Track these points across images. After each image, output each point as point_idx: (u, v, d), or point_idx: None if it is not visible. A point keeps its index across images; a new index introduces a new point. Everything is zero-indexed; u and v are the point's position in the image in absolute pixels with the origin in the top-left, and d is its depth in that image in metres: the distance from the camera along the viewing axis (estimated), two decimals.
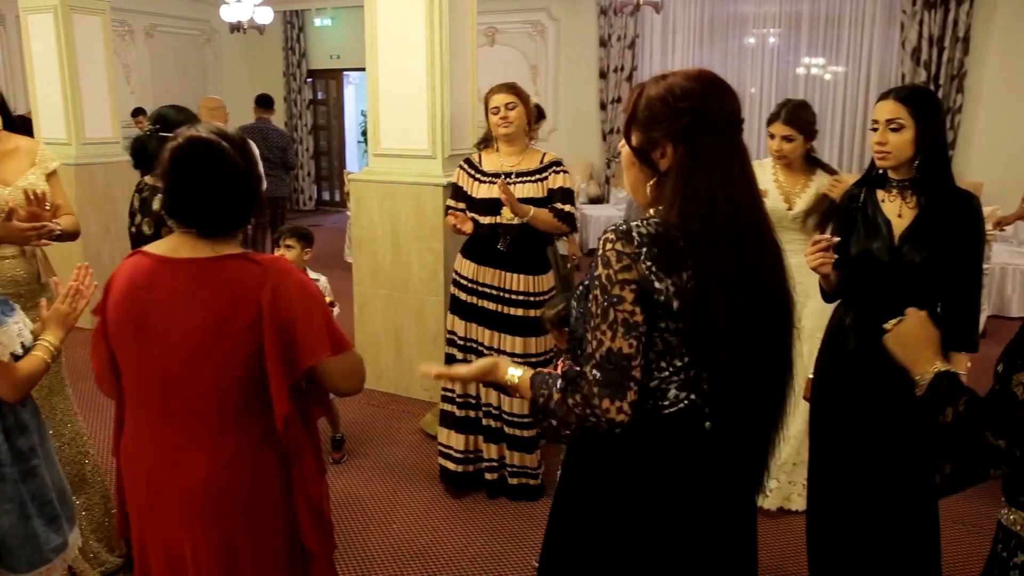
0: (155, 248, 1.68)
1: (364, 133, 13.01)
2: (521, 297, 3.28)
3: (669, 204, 1.41)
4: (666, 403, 1.43)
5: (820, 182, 3.21)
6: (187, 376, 1.61)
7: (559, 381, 1.45)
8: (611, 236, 1.39)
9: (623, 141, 1.52)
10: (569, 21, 9.65)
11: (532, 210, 3.17)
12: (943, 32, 7.67)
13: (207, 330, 1.58)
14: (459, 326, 3.41)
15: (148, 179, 2.79)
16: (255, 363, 1.59)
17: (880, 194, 2.32)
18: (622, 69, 9.31)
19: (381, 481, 3.67)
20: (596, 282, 1.39)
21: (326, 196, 12.59)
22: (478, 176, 3.33)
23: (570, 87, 9.77)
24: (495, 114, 3.27)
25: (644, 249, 1.36)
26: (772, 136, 3.22)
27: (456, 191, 3.38)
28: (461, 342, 3.40)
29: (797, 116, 3.15)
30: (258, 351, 1.58)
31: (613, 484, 1.49)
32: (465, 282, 3.38)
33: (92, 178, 5.88)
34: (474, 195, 3.30)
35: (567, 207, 3.22)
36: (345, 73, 12.08)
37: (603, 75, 9.43)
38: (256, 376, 1.60)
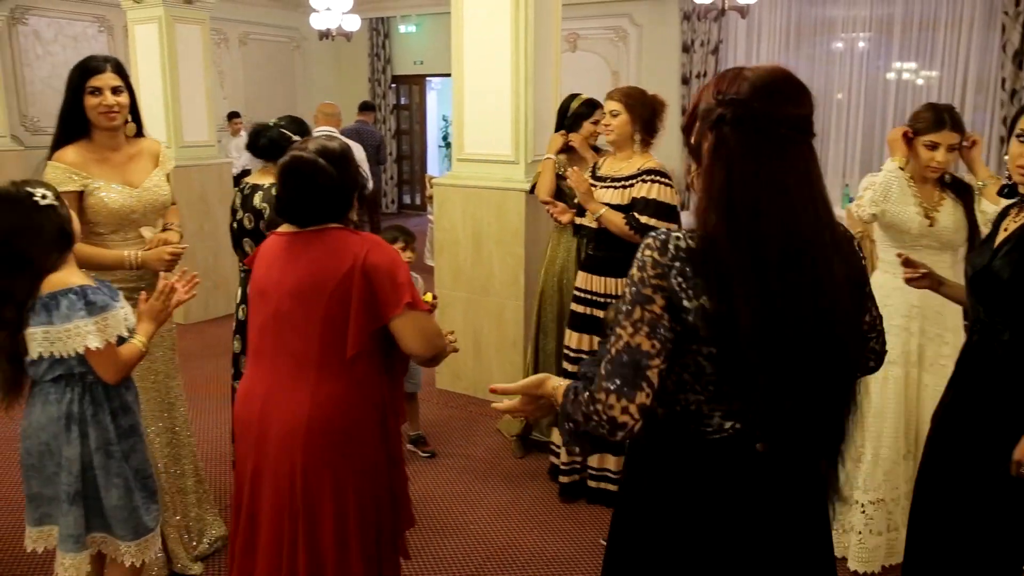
0: (282, 228, 2.04)
1: (445, 138, 13.21)
2: (602, 299, 3.30)
3: (695, 209, 1.33)
4: (710, 429, 1.35)
5: (951, 195, 2.86)
6: (294, 324, 1.94)
7: (578, 380, 1.40)
8: (649, 243, 1.32)
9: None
10: (651, 26, 9.60)
11: (603, 209, 3.18)
12: None
13: (311, 283, 1.91)
14: (572, 339, 3.44)
15: (248, 180, 3.01)
16: (343, 314, 1.90)
17: (1013, 210, 2.15)
18: (705, 75, 9.21)
19: (459, 482, 3.73)
20: (630, 281, 1.32)
21: (407, 199, 12.82)
22: (591, 179, 3.38)
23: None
24: (603, 119, 3.33)
25: (677, 264, 1.29)
26: (934, 146, 2.73)
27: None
28: (573, 355, 3.43)
29: (960, 121, 2.77)
30: (347, 303, 1.90)
31: (661, 509, 1.42)
32: (575, 291, 3.45)
33: (189, 179, 6.15)
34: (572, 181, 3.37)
35: (644, 218, 3.10)
36: (428, 78, 12.31)
37: (685, 81, 9.35)
38: (344, 326, 1.91)
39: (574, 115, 3.82)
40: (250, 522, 2.06)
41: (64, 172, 2.56)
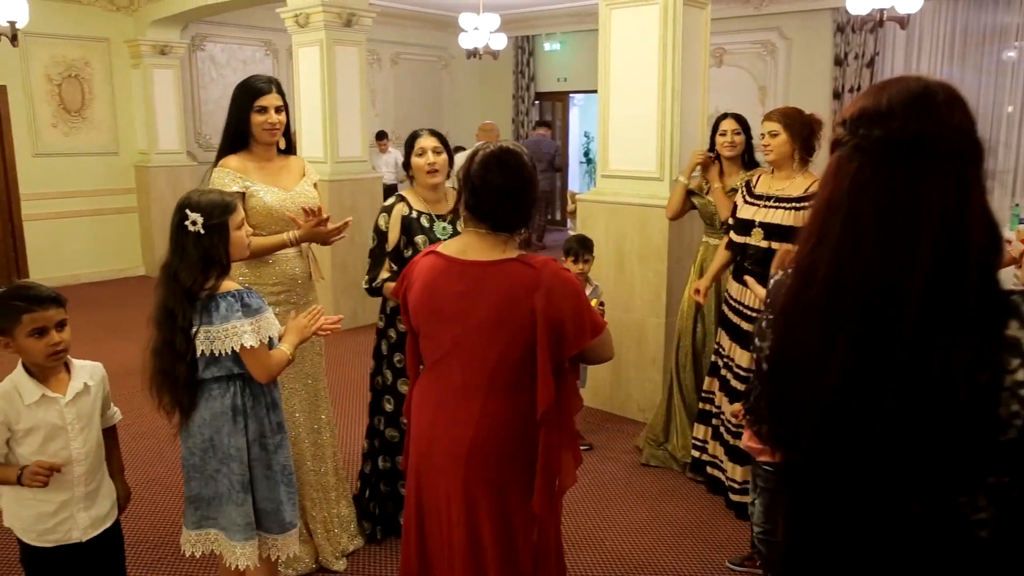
0: (446, 248, 2.04)
1: (587, 154, 13.27)
2: (751, 312, 3.32)
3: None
4: None
5: None
6: (471, 355, 1.97)
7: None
8: (778, 277, 1.25)
9: None
10: (802, 40, 9.29)
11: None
12: None
13: (491, 322, 1.93)
14: (723, 340, 3.59)
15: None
16: (528, 351, 1.93)
17: None
18: (859, 89, 8.81)
19: (593, 498, 3.73)
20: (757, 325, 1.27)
21: (548, 215, 12.94)
22: (747, 196, 3.42)
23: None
24: (762, 139, 3.33)
25: (769, 300, 1.24)
26: None
27: (734, 209, 3.54)
28: (724, 361, 3.59)
29: None
30: (531, 341, 1.91)
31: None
32: (728, 299, 3.57)
33: (341, 193, 6.49)
34: (738, 214, 3.41)
35: None
36: (570, 95, 12.42)
37: (837, 95, 8.98)
38: (527, 359, 1.94)
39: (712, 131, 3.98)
40: (419, 529, 2.13)
41: (229, 175, 2.84)
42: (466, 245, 2.01)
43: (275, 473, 2.32)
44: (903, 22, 6.54)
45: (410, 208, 3.09)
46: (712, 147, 3.90)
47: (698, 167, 3.91)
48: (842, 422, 1.05)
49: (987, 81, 8.06)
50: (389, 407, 3.20)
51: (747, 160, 3.86)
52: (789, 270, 1.17)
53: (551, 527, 2.09)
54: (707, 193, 3.89)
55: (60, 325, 2.12)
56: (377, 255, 3.11)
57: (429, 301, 2.02)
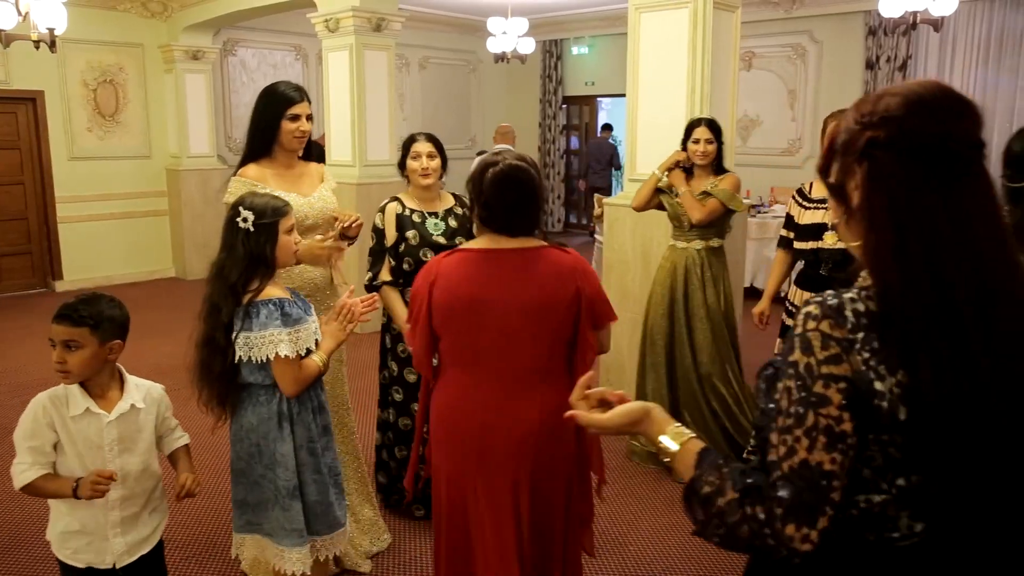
0: (474, 245, 2.12)
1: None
2: None
3: (861, 255, 1.11)
4: (897, 535, 1.10)
5: None
6: (524, 341, 2.03)
7: (738, 479, 1.13)
8: (815, 311, 1.08)
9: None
10: (833, 43, 9.20)
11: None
12: None
13: (541, 303, 2.02)
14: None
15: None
16: (573, 328, 2.06)
17: None
18: None
19: (616, 502, 3.72)
20: (791, 370, 1.09)
21: (573, 219, 12.94)
22: (804, 203, 3.43)
23: (830, 112, 9.28)
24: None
25: (861, 335, 1.06)
26: None
27: (788, 220, 3.55)
28: None
29: None
30: (575, 318, 2.05)
31: None
32: (790, 307, 3.55)
33: (370, 196, 6.51)
34: (799, 221, 3.42)
35: None
36: (598, 99, 12.40)
37: None
38: (572, 337, 2.07)
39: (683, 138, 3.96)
40: (463, 532, 2.12)
41: (246, 184, 2.80)
42: (493, 241, 2.09)
43: (324, 476, 2.34)
44: (937, 24, 6.46)
45: (403, 206, 3.32)
46: (684, 151, 3.89)
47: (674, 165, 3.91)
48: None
49: (1023, 84, 7.92)
50: (399, 396, 3.35)
51: (716, 166, 3.86)
52: (838, 296, 1.10)
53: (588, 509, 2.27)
54: (676, 196, 3.87)
55: (68, 344, 2.02)
56: (377, 253, 3.31)
57: (466, 292, 2.03)
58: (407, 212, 3.30)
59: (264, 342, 2.16)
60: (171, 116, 9.04)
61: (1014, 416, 1.03)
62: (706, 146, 3.80)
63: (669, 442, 1.26)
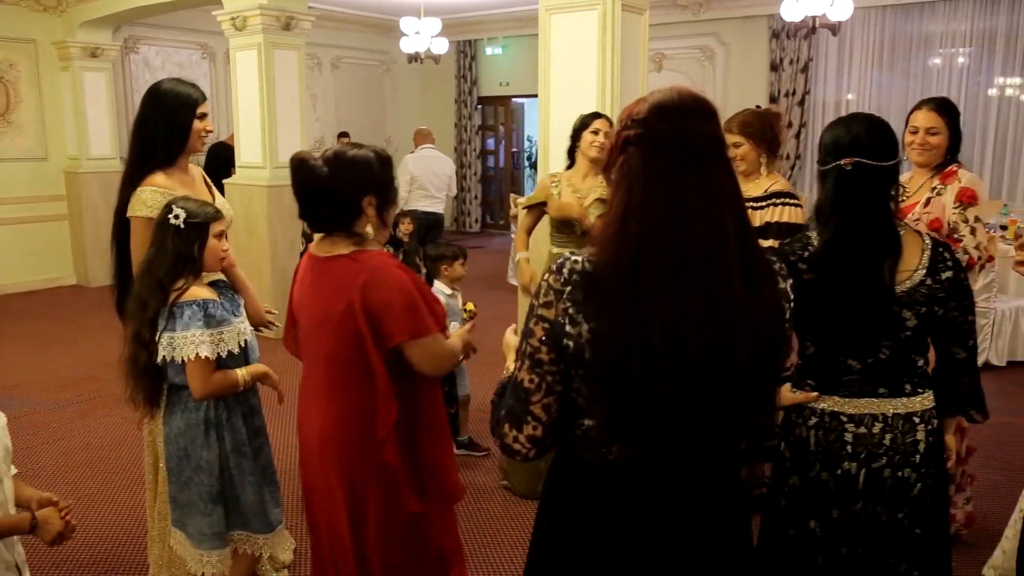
0: (314, 248, 2.07)
1: (530, 158, 13.32)
2: None
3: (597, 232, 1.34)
4: (606, 452, 1.36)
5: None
6: (310, 351, 2.05)
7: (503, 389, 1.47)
8: (552, 267, 1.35)
9: None
10: (739, 45, 9.49)
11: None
12: None
13: (321, 315, 1.97)
14: None
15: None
16: (355, 344, 1.91)
17: None
18: (794, 93, 9.04)
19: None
20: (529, 310, 1.38)
21: (489, 219, 12.97)
22: None
23: (733, 115, 9.58)
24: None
25: (568, 288, 1.30)
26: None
27: None
28: None
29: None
30: (356, 334, 1.90)
31: (572, 532, 1.44)
32: None
33: (281, 198, 6.38)
34: None
35: (769, 242, 3.01)
36: (513, 100, 12.46)
37: (773, 100, 9.19)
38: (357, 354, 1.92)
39: (575, 130, 3.71)
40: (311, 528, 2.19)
41: (162, 195, 2.57)
42: (320, 244, 2.05)
43: (256, 477, 2.40)
44: (835, 29, 6.73)
45: None
46: (574, 146, 3.67)
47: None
48: (703, 372, 1.26)
49: (914, 86, 8.34)
50: None
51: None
52: (567, 257, 1.32)
53: (436, 530, 2.09)
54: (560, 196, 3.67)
55: None
56: None
57: (295, 296, 2.12)
58: None
59: (186, 342, 2.21)
60: (69, 116, 8.62)
61: (680, 365, 1.25)
62: (606, 139, 3.52)
63: (512, 363, 1.52)
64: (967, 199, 2.82)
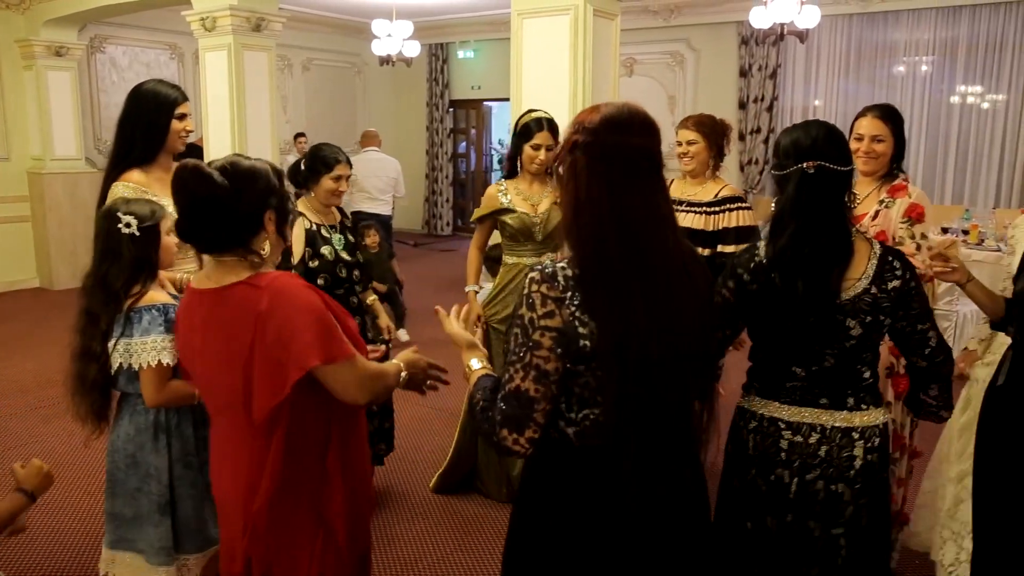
0: (195, 282, 1.80)
1: (500, 160, 13.32)
2: None
3: (562, 232, 1.51)
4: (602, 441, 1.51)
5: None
6: (215, 394, 1.79)
7: (489, 394, 1.56)
8: (537, 277, 1.45)
9: None
10: (709, 51, 9.58)
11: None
12: None
13: (223, 354, 1.70)
14: None
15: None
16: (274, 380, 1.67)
17: None
18: (762, 99, 9.15)
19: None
20: (519, 322, 1.46)
21: (460, 222, 12.96)
22: None
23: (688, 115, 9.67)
24: (679, 148, 3.33)
25: (570, 293, 1.43)
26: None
27: None
28: None
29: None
30: (274, 368, 1.65)
31: (560, 516, 1.57)
32: None
33: None
34: None
35: (730, 247, 3.14)
36: (485, 103, 12.47)
37: (742, 105, 9.30)
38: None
39: (516, 138, 3.46)
40: None
41: (136, 191, 2.63)
42: (208, 273, 1.77)
43: (199, 491, 2.25)
44: (802, 36, 6.83)
45: (309, 222, 3.19)
46: (516, 154, 3.47)
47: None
48: (662, 366, 1.46)
49: (879, 93, 8.47)
50: None
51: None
52: (552, 265, 1.47)
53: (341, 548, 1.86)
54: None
55: None
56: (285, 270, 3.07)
57: (182, 341, 1.86)
58: (313, 227, 3.19)
59: (146, 349, 2.11)
60: (32, 116, 8.46)
61: (665, 349, 1.45)
62: (546, 156, 3.35)
63: (476, 363, 1.70)
64: (916, 216, 2.73)
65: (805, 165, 1.84)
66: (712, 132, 3.27)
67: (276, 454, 1.72)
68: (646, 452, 1.49)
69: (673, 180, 3.45)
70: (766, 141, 9.17)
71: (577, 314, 1.42)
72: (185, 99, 2.76)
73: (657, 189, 1.47)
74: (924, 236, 2.75)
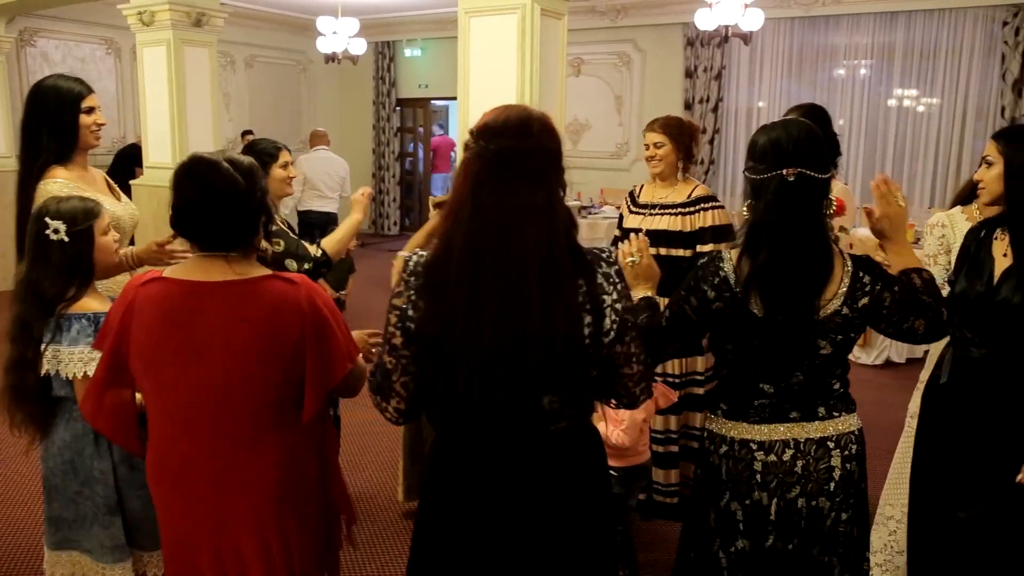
0: (178, 273, 1.73)
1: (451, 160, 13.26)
2: None
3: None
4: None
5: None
6: (242, 389, 1.69)
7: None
8: (399, 264, 1.58)
9: None
10: (655, 52, 9.67)
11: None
12: None
13: (260, 347, 1.67)
14: None
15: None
16: (299, 374, 1.71)
17: (998, 232, 2.21)
18: (708, 100, 9.27)
19: None
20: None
21: (408, 222, 12.86)
22: (631, 206, 3.44)
23: (655, 118, 9.76)
24: (647, 151, 3.33)
25: (412, 279, 1.50)
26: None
27: (619, 220, 3.53)
28: None
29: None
30: (302, 366, 1.70)
31: (443, 507, 1.62)
32: None
33: None
34: (625, 224, 3.42)
35: (709, 246, 3.12)
36: (432, 102, 12.39)
37: (688, 106, 9.41)
38: (298, 384, 1.72)
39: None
40: None
41: (66, 188, 2.54)
42: (205, 267, 1.71)
43: (147, 490, 2.16)
44: (746, 38, 6.94)
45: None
46: None
47: None
48: (498, 359, 1.44)
49: (820, 96, 8.65)
50: None
51: None
52: (420, 250, 1.55)
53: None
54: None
55: None
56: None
57: (168, 334, 1.68)
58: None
59: (73, 359, 2.04)
60: None
61: (505, 339, 1.43)
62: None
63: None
64: (836, 210, 2.85)
65: (785, 172, 1.73)
66: (680, 134, 3.27)
67: (318, 440, 1.84)
68: (480, 443, 1.53)
69: (643, 185, 3.46)
70: (711, 142, 9.30)
71: (413, 297, 1.49)
72: (90, 92, 2.65)
73: (535, 187, 1.46)
74: (843, 229, 2.85)
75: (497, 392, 1.46)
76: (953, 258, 2.44)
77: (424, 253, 1.53)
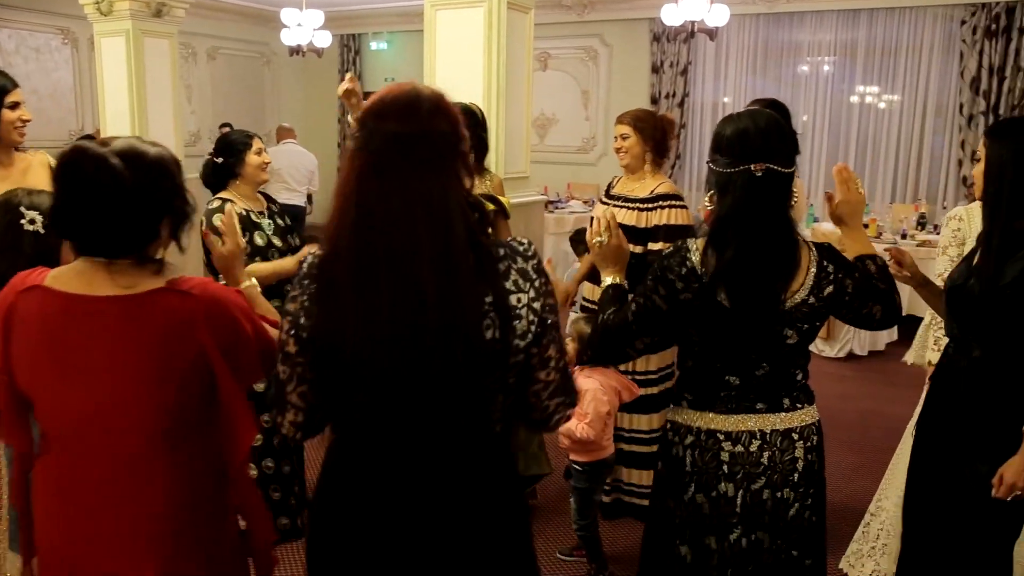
0: (58, 283, 1.51)
1: None
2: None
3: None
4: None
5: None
6: (130, 415, 1.49)
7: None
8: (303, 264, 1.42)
9: None
10: (622, 47, 9.70)
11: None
12: (1004, 62, 7.53)
13: (149, 370, 1.47)
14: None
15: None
16: (204, 394, 1.53)
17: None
18: (674, 95, 9.32)
19: None
20: None
21: None
22: (604, 198, 3.46)
23: (621, 112, 9.79)
24: (615, 142, 3.33)
25: (307, 282, 1.37)
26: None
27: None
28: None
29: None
30: (206, 383, 1.51)
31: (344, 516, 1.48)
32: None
33: None
34: (594, 214, 3.37)
35: (658, 245, 3.10)
36: None
37: (655, 101, 9.45)
38: (204, 405, 1.54)
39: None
40: None
41: None
42: (88, 277, 1.50)
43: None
44: (712, 34, 6.98)
45: (243, 209, 3.07)
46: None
47: None
48: (394, 367, 1.31)
49: (785, 92, 8.75)
50: None
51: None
52: (315, 251, 1.39)
53: None
54: None
55: None
56: None
57: (50, 354, 1.49)
58: (243, 212, 3.04)
59: None
60: None
61: (372, 358, 1.31)
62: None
63: None
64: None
65: (753, 167, 1.71)
66: (648, 127, 3.24)
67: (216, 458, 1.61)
68: (378, 453, 1.40)
69: (621, 177, 3.45)
70: (678, 136, 9.35)
71: (306, 303, 1.35)
72: (15, 86, 2.60)
73: (425, 176, 1.29)
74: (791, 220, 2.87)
75: (395, 401, 1.34)
76: (966, 251, 2.43)
77: (319, 254, 1.37)
